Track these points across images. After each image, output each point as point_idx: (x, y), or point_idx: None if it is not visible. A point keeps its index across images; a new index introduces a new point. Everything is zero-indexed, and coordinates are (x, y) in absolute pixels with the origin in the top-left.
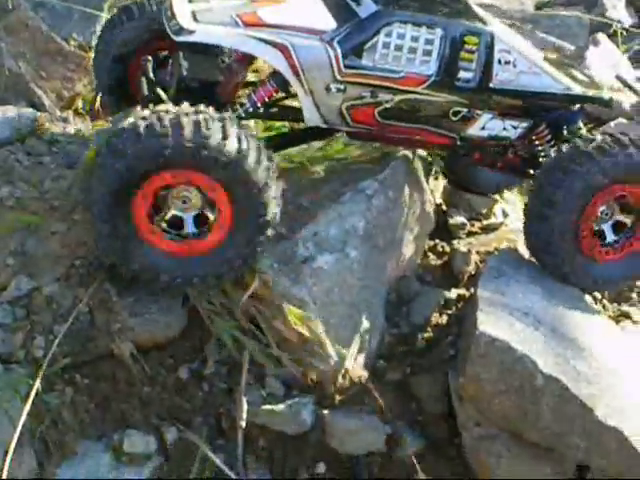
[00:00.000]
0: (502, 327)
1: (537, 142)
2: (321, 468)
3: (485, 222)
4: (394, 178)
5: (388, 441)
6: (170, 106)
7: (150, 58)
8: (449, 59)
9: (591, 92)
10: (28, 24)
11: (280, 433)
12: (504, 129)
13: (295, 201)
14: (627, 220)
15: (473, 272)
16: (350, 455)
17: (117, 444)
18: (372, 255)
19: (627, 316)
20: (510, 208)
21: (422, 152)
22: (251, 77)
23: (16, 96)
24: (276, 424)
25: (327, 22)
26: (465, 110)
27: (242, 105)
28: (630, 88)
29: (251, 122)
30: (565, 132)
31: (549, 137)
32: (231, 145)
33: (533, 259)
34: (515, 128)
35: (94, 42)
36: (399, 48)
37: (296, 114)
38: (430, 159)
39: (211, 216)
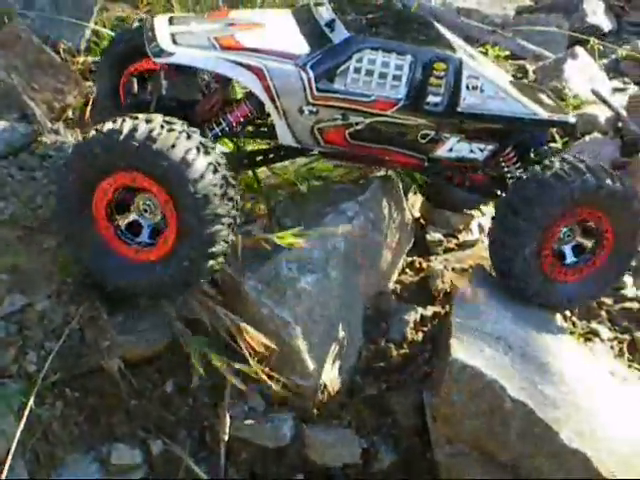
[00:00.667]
0: (474, 353)
1: (504, 163)
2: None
3: (462, 239)
4: (374, 199)
5: (364, 454)
6: (141, 114)
7: (135, 77)
8: (418, 84)
9: (556, 116)
10: (21, 37)
11: (261, 446)
12: (471, 151)
13: (280, 221)
14: (587, 243)
15: (449, 289)
16: (327, 467)
17: (105, 456)
18: (352, 274)
19: (596, 334)
20: (487, 222)
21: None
22: None
23: (8, 107)
24: (257, 438)
25: (301, 47)
26: (433, 133)
27: (219, 124)
28: (605, 102)
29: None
30: (532, 154)
31: (515, 159)
32: (177, 153)
33: None
34: (482, 150)
35: (83, 46)
36: (370, 73)
37: (271, 133)
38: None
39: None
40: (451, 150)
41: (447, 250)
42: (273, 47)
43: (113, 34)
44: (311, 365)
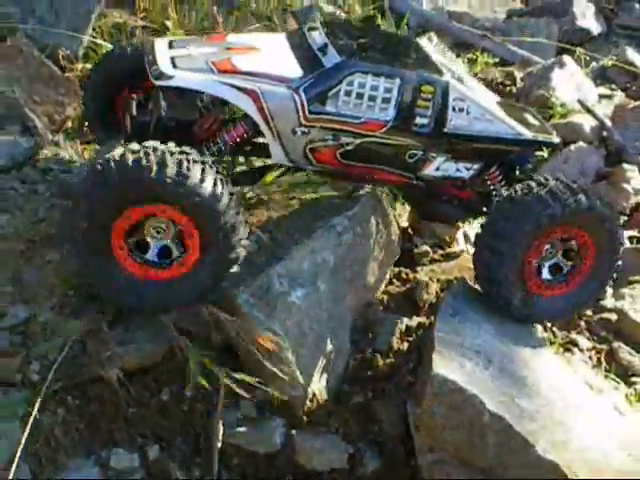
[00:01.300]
0: (454, 368)
1: (489, 182)
2: None
3: (447, 250)
4: (363, 214)
5: (350, 459)
6: (157, 143)
7: (134, 97)
8: (406, 106)
9: (541, 136)
10: (22, 50)
11: (253, 452)
12: (457, 170)
13: (272, 235)
14: (565, 265)
15: (434, 300)
16: (315, 471)
17: (105, 460)
18: (340, 287)
19: (575, 344)
20: (472, 232)
21: None
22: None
23: (10, 119)
24: (249, 444)
25: (295, 70)
26: (420, 153)
27: (216, 144)
28: (590, 113)
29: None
30: (517, 172)
31: (500, 177)
32: (207, 187)
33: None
34: (468, 169)
35: (81, 52)
36: (360, 96)
37: (266, 152)
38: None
39: (175, 252)
40: (438, 169)
41: (433, 261)
42: (267, 70)
43: (110, 46)
44: (300, 375)
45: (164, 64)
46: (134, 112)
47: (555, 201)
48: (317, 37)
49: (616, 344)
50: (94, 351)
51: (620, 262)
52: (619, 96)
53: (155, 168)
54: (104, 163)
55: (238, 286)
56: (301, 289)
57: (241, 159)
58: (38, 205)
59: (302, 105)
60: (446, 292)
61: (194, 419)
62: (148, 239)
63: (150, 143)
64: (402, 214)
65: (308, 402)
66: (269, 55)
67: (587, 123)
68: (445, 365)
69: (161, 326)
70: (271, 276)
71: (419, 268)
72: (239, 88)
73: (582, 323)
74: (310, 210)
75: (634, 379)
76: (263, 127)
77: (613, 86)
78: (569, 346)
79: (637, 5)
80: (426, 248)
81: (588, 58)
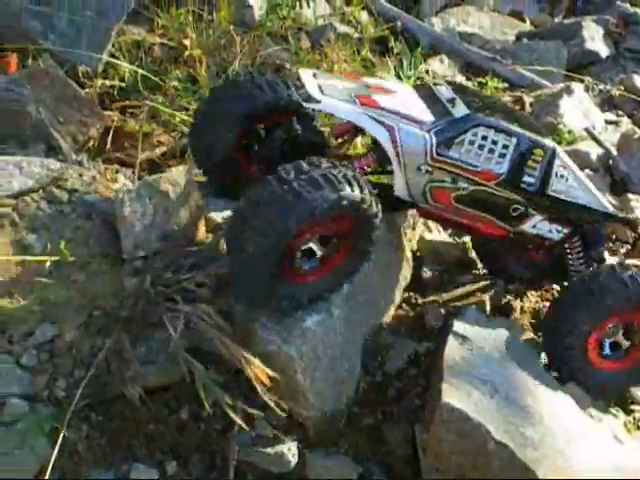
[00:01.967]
0: (462, 397)
1: (569, 250)
2: None
3: (456, 276)
4: (377, 241)
5: (359, 479)
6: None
7: (262, 128)
8: (518, 164)
9: (621, 213)
10: (48, 72)
11: (266, 470)
12: (550, 231)
13: None
14: (624, 343)
15: (442, 325)
16: None
17: (125, 475)
18: (353, 312)
19: None
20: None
21: None
22: None
23: (36, 140)
24: (263, 464)
25: (427, 115)
26: (523, 208)
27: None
28: (597, 141)
29: None
30: (592, 252)
31: (579, 248)
32: (368, 198)
33: (493, 319)
34: (558, 232)
35: (100, 69)
36: (481, 147)
37: (383, 188)
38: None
39: (318, 252)
40: (534, 227)
41: (442, 287)
42: (404, 111)
43: (127, 65)
44: (313, 397)
45: (312, 89)
46: (262, 139)
47: (616, 291)
48: (444, 91)
49: None
50: (117, 370)
51: None
52: (625, 122)
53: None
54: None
55: (255, 311)
56: (316, 315)
57: None
58: (64, 226)
59: (431, 146)
60: (454, 319)
61: (211, 437)
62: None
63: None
64: (412, 239)
65: (320, 423)
66: (403, 99)
67: (594, 151)
68: (453, 394)
69: (181, 347)
70: None
71: (428, 293)
72: (379, 121)
73: None
74: None
75: (633, 407)
76: (393, 159)
77: (620, 112)
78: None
79: None
80: (435, 274)
81: (596, 87)
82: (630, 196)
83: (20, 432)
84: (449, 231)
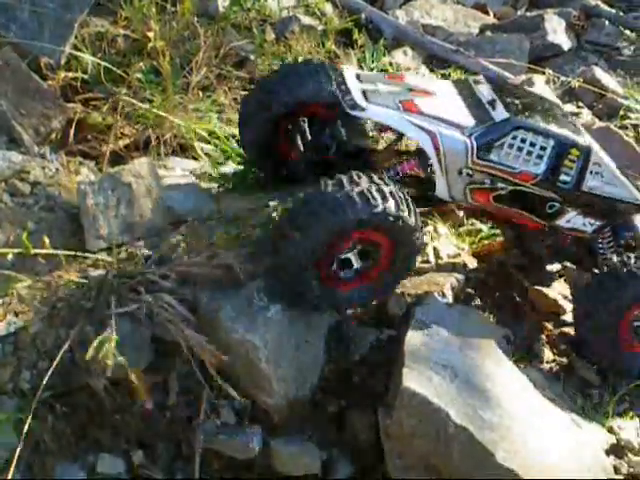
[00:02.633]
0: (422, 382)
1: (600, 238)
2: None
3: (418, 264)
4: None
5: (324, 465)
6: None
7: (305, 121)
8: (555, 164)
9: None
10: (10, 63)
11: (232, 458)
12: (583, 224)
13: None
14: None
15: (404, 314)
16: (290, 476)
17: (91, 465)
18: None
19: (536, 356)
20: (442, 246)
21: None
22: None
23: None
24: (229, 451)
25: (468, 120)
26: (558, 205)
27: (387, 171)
28: None
29: None
30: (621, 240)
31: (610, 238)
32: (413, 220)
33: (454, 306)
34: (592, 225)
35: (63, 61)
36: (520, 150)
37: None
38: None
39: (355, 264)
40: (569, 221)
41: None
42: (446, 116)
43: (90, 57)
44: (277, 385)
45: (357, 96)
46: (308, 135)
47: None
48: (485, 91)
49: (575, 357)
50: (82, 360)
51: None
52: (586, 114)
53: (380, 205)
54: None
55: (220, 301)
56: (279, 304)
57: None
58: (27, 218)
59: (472, 151)
60: (416, 307)
61: (176, 426)
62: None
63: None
64: None
65: (285, 410)
66: (444, 101)
67: None
68: (414, 379)
69: (145, 337)
70: (251, 291)
71: None
72: (421, 128)
73: (543, 337)
74: None
75: (590, 391)
76: (435, 164)
77: (580, 104)
78: (530, 358)
79: (606, 22)
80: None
81: (557, 80)
82: None
83: None
84: None
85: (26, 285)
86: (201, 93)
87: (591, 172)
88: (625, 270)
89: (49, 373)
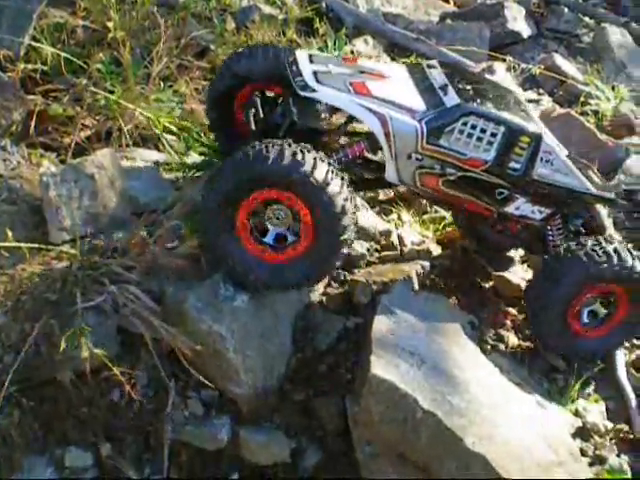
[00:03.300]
0: (390, 369)
1: (549, 225)
2: (235, 476)
3: (383, 253)
4: None
5: (293, 454)
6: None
7: (258, 97)
8: (505, 151)
9: (603, 193)
10: None
11: (200, 448)
12: (532, 212)
13: None
14: (601, 311)
15: (370, 301)
16: (260, 465)
17: (59, 459)
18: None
19: (502, 341)
20: (406, 234)
21: None
22: None
23: None
24: (197, 441)
25: (419, 104)
26: (507, 192)
27: (337, 154)
28: None
29: None
30: (571, 226)
31: (560, 226)
32: (319, 174)
33: (420, 293)
34: (541, 212)
35: (22, 53)
36: (470, 136)
37: (374, 170)
38: None
39: (290, 238)
40: (518, 208)
41: (369, 263)
42: (397, 100)
43: (50, 48)
44: (245, 375)
45: (308, 77)
46: (260, 112)
47: (594, 262)
48: (437, 76)
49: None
50: (47, 354)
51: None
52: (546, 100)
53: (273, 156)
54: (239, 153)
55: (185, 291)
56: (246, 294)
57: None
58: None
59: (422, 135)
60: (382, 294)
61: (144, 418)
62: (268, 225)
63: (276, 141)
64: None
65: (253, 400)
66: (397, 85)
67: None
68: (381, 366)
69: (111, 329)
70: (216, 281)
71: (356, 270)
72: (371, 110)
73: (508, 322)
74: None
75: (555, 375)
76: (384, 147)
77: (541, 90)
78: (496, 343)
79: (565, 10)
80: (362, 251)
81: (517, 67)
82: None
83: None
84: (377, 208)
85: None
86: (162, 83)
87: (541, 160)
88: (570, 255)
89: (14, 367)
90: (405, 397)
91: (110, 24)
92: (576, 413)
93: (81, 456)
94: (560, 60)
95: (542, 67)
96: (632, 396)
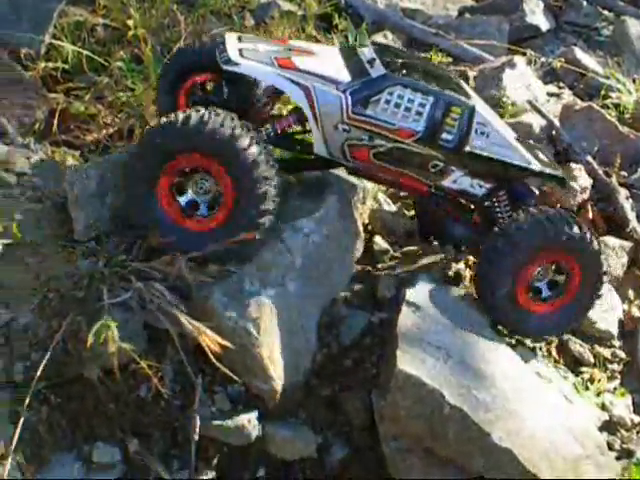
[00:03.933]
0: (416, 364)
1: (496, 204)
2: (261, 472)
3: (406, 248)
4: (328, 215)
5: (319, 449)
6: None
7: (198, 82)
8: (436, 121)
9: (548, 170)
10: None
11: (227, 443)
12: (471, 186)
13: None
14: (560, 279)
15: (394, 296)
16: (286, 460)
17: (87, 455)
18: (307, 286)
19: (522, 342)
20: None
21: (354, 180)
22: None
23: None
24: (224, 437)
25: (344, 75)
26: (442, 165)
27: (266, 129)
28: (539, 113)
29: None
30: (520, 206)
31: (506, 203)
32: (225, 130)
33: (444, 287)
34: (481, 187)
35: (43, 51)
36: (397, 106)
37: (305, 147)
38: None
39: (203, 209)
40: (455, 182)
41: (393, 258)
42: (321, 72)
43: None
44: (271, 370)
45: (233, 53)
46: (198, 94)
47: (536, 232)
48: (366, 52)
49: (566, 336)
50: (74, 350)
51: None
52: (567, 94)
53: (181, 120)
54: (164, 121)
55: (211, 287)
56: (272, 289)
57: None
58: (14, 208)
59: (347, 105)
60: (406, 289)
61: (171, 414)
62: (190, 192)
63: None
64: (363, 212)
65: (279, 395)
66: (324, 60)
67: (537, 122)
68: (408, 361)
69: (137, 325)
70: (242, 277)
71: (380, 265)
72: (295, 82)
73: None
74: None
75: (582, 369)
76: (310, 119)
77: (561, 84)
78: (517, 345)
79: (584, 3)
80: (386, 246)
81: (538, 60)
82: (572, 165)
83: None
84: (398, 204)
85: (16, 276)
86: None
87: (476, 131)
88: (514, 228)
89: (43, 364)
90: (432, 392)
91: (130, 22)
92: (602, 407)
93: (109, 452)
94: (580, 53)
95: (562, 60)
96: None
